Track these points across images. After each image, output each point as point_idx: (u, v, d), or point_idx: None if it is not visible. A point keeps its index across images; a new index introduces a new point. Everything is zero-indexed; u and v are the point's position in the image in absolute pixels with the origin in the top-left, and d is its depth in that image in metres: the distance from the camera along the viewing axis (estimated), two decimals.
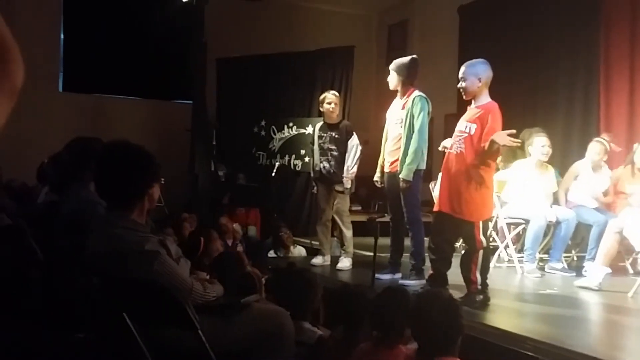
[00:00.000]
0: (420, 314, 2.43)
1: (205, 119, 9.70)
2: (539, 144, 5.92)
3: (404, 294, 2.85)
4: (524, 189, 5.95)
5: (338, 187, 5.82)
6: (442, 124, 9.12)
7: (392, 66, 5.08)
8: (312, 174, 6.18)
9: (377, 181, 5.32)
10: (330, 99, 5.90)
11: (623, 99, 7.08)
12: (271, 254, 6.95)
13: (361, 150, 5.85)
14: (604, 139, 6.22)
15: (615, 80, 7.18)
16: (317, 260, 5.98)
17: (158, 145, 8.37)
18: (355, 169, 5.85)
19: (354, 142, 5.84)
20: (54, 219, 3.44)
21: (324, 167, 5.88)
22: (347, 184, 5.77)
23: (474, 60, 4.26)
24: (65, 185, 3.51)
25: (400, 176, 4.86)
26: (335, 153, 5.84)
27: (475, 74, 4.17)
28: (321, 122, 6.07)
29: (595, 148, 6.02)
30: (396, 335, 2.68)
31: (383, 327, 2.70)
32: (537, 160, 5.97)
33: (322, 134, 5.94)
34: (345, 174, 5.78)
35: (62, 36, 10.36)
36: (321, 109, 6.02)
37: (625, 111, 7.04)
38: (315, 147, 6.00)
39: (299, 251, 7.32)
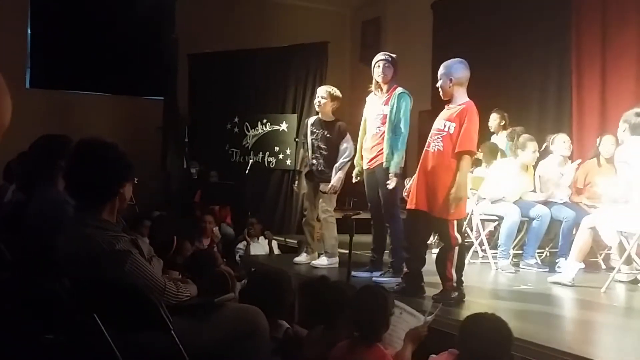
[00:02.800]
0: (474, 333, 2.52)
1: (177, 116, 9.60)
2: (531, 148, 5.97)
3: (381, 293, 2.83)
4: (501, 187, 5.95)
5: (323, 188, 5.57)
6: (416, 120, 9.11)
7: (389, 59, 4.99)
8: (301, 169, 5.87)
9: (355, 175, 5.27)
10: (320, 93, 5.66)
11: (595, 93, 7.17)
12: (240, 247, 6.95)
13: (350, 154, 5.46)
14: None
15: (587, 75, 7.28)
16: (301, 258, 5.80)
17: (129, 142, 8.22)
18: (341, 172, 5.51)
19: (345, 145, 5.51)
20: (22, 219, 3.35)
21: (313, 164, 5.64)
22: (337, 182, 5.50)
23: (450, 60, 4.28)
24: (33, 184, 3.42)
25: (391, 169, 4.84)
26: (324, 152, 5.57)
27: (448, 74, 4.20)
28: (315, 117, 5.77)
29: (564, 138, 6.07)
30: (373, 334, 2.66)
31: (360, 326, 2.68)
32: (522, 163, 6.04)
33: (315, 130, 5.65)
34: (333, 174, 5.51)
35: (29, 31, 10.15)
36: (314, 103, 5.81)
37: (597, 106, 7.14)
38: (308, 141, 5.69)
39: (263, 246, 7.25)
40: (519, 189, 5.98)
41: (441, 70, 4.24)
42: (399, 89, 4.96)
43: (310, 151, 5.68)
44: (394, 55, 5.05)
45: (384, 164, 4.91)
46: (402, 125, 4.88)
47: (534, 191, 6.11)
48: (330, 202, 5.61)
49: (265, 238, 7.32)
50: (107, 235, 2.53)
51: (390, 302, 2.81)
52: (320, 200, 5.60)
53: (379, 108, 5.00)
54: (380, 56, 5.03)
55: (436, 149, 4.18)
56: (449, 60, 4.29)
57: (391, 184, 4.85)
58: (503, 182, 5.94)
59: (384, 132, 4.93)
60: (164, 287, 2.60)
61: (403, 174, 5.18)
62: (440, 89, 4.25)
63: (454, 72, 4.20)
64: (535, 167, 6.24)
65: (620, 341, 3.58)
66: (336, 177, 5.50)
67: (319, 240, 5.79)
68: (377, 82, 5.02)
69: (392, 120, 4.88)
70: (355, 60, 11.40)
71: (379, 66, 4.97)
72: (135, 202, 7.10)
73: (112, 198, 2.63)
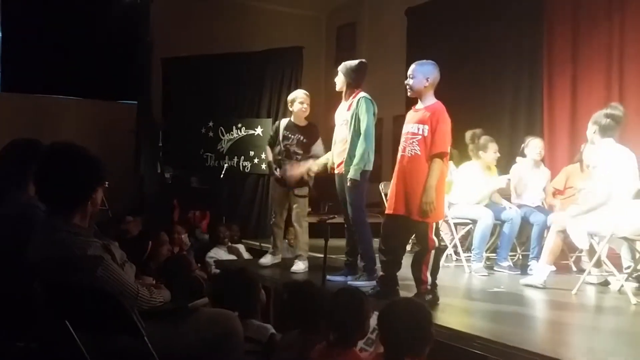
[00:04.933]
0: (392, 320, 2.45)
1: (151, 120, 9.51)
2: (492, 149, 6.11)
3: (358, 296, 2.83)
4: (470, 191, 6.03)
5: (299, 192, 5.57)
6: (390, 125, 9.21)
7: (340, 67, 5.06)
8: (267, 170, 5.75)
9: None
10: (302, 99, 5.59)
11: (565, 101, 7.30)
12: (215, 252, 6.91)
13: (319, 156, 5.45)
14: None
15: (558, 83, 7.40)
16: (265, 259, 5.77)
17: (102, 146, 8.15)
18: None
19: (318, 148, 5.54)
20: None
21: (287, 170, 5.53)
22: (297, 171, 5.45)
23: (424, 61, 4.31)
24: (3, 189, 3.37)
25: (348, 176, 4.77)
26: (299, 157, 5.53)
27: (424, 74, 4.22)
28: (287, 120, 5.71)
29: (538, 144, 6.15)
30: (349, 338, 2.66)
31: (336, 329, 2.68)
32: (485, 164, 6.11)
33: (289, 135, 5.61)
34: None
35: (0, 34, 10.00)
36: (290, 109, 5.67)
37: (567, 113, 7.26)
38: (281, 145, 5.63)
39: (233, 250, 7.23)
40: (487, 190, 6.06)
41: (416, 68, 4.23)
42: (360, 94, 4.88)
43: (282, 156, 5.62)
44: (351, 63, 4.99)
45: (344, 169, 4.86)
46: (362, 131, 4.76)
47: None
48: (305, 205, 5.66)
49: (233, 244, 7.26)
50: (79, 240, 2.51)
51: (367, 306, 2.80)
52: (295, 205, 5.60)
53: (344, 113, 5.00)
54: (340, 65, 5.06)
55: (413, 153, 4.19)
56: (423, 61, 4.31)
57: (349, 184, 4.79)
58: (470, 186, 6.00)
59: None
60: (136, 293, 2.58)
61: (375, 178, 5.17)
62: (410, 87, 4.24)
63: (430, 73, 4.23)
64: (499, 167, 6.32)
65: (591, 342, 3.63)
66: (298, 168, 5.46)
67: (292, 245, 5.80)
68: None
69: (353, 126, 4.83)
70: (331, 65, 11.43)
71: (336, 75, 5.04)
72: (108, 207, 7.03)
73: (83, 203, 2.60)
